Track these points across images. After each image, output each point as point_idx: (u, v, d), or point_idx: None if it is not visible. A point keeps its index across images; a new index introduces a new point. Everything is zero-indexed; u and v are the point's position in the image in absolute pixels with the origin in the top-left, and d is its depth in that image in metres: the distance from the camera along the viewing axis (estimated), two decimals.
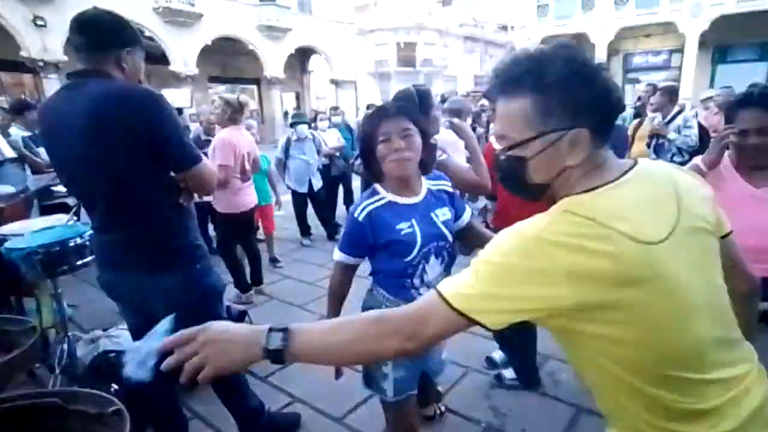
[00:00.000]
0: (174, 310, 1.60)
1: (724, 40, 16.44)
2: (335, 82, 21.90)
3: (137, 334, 1.79)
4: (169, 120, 1.42)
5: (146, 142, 1.39)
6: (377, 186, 1.42)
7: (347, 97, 21.61)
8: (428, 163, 1.45)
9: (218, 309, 1.74)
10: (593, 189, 0.74)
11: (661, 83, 5.25)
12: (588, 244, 0.68)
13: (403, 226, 1.35)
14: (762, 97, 1.54)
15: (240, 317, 2.86)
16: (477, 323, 0.73)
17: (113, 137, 1.36)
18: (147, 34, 14.54)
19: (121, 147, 1.37)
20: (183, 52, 15.65)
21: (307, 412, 2.29)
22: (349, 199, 6.00)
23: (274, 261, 4.54)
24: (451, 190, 1.52)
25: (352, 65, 22.21)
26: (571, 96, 0.73)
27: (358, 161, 1.50)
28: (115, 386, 2.20)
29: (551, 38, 19.95)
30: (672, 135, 4.05)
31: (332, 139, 5.62)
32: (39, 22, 12.28)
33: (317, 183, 5.12)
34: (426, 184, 1.47)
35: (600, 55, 17.73)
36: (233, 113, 3.34)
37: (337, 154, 5.56)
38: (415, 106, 1.75)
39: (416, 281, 1.40)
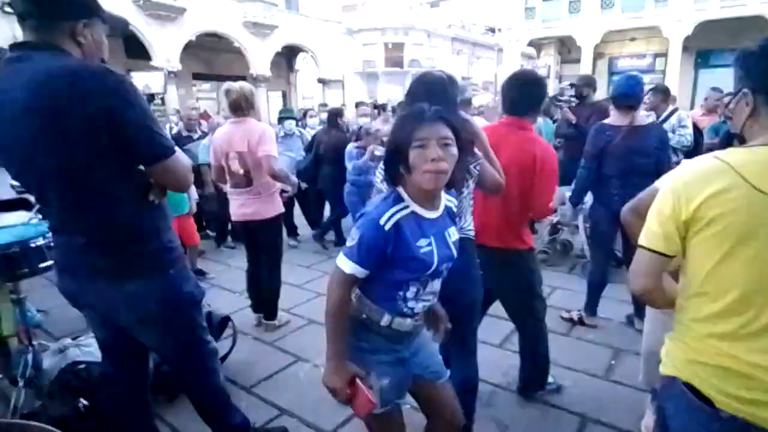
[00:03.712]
0: (145, 321, 1.45)
1: (707, 45, 16.74)
2: (322, 81, 21.67)
3: (107, 347, 1.60)
4: (135, 105, 1.22)
5: (107, 130, 1.19)
6: (401, 191, 1.25)
7: (334, 96, 21.38)
8: (457, 179, 1.30)
9: (196, 318, 1.56)
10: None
11: (647, 85, 5.20)
12: None
13: (422, 243, 1.21)
14: None
15: (222, 324, 2.68)
16: None
17: (66, 123, 1.16)
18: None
19: (76, 135, 1.18)
20: (165, 47, 15.21)
21: (296, 425, 2.13)
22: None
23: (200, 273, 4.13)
24: (455, 208, 1.40)
25: (339, 65, 22.01)
26: None
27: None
28: (83, 401, 2.01)
29: (538, 41, 20.20)
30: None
31: None
32: (7, 9, 11.63)
33: (302, 183, 4.94)
34: (445, 198, 1.34)
35: (586, 58, 17.94)
36: (227, 105, 2.84)
37: None
38: (455, 108, 1.59)
39: (409, 294, 1.27)
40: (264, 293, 3.06)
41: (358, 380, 1.21)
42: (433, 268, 1.23)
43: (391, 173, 1.24)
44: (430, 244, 1.22)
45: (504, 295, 2.17)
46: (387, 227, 1.16)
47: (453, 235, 1.33)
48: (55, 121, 1.16)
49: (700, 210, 0.93)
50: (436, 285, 1.33)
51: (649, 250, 1.03)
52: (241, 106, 2.79)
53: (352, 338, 1.27)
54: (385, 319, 1.27)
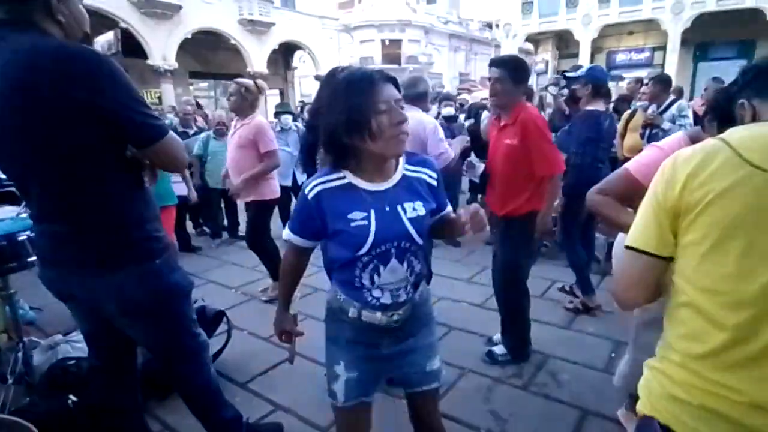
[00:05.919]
0: (131, 313, 1.41)
1: (705, 38, 16.69)
2: (319, 79, 21.60)
3: (92, 340, 1.56)
4: (123, 87, 1.17)
5: (93, 115, 1.14)
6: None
7: None
8: None
9: (185, 310, 1.51)
10: None
11: (646, 78, 5.16)
12: None
13: (356, 216, 1.12)
14: None
15: (216, 318, 2.64)
16: None
17: (46, 108, 1.11)
18: (122, 25, 14.04)
19: (58, 120, 1.13)
20: (161, 45, 15.13)
21: (291, 421, 2.09)
22: None
23: None
24: (434, 182, 1.25)
25: (336, 62, 21.94)
26: None
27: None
28: (72, 397, 1.97)
29: (536, 36, 20.13)
30: (666, 125, 3.94)
31: None
32: None
33: (301, 176, 4.89)
34: (401, 169, 1.21)
35: (584, 53, 17.87)
36: (254, 99, 3.21)
37: None
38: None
39: (365, 280, 1.17)
40: None
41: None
42: (369, 244, 1.11)
43: (347, 147, 1.12)
44: (366, 218, 1.12)
45: None
46: (309, 196, 1.15)
47: (412, 210, 1.17)
48: (36, 105, 1.11)
49: (685, 192, 0.78)
50: (397, 270, 1.17)
51: (638, 251, 0.84)
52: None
53: (332, 329, 1.28)
54: (353, 311, 1.20)
